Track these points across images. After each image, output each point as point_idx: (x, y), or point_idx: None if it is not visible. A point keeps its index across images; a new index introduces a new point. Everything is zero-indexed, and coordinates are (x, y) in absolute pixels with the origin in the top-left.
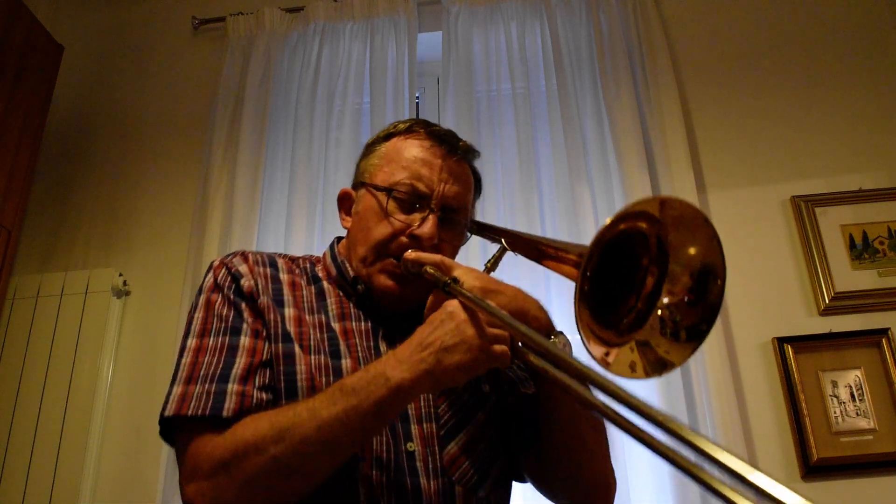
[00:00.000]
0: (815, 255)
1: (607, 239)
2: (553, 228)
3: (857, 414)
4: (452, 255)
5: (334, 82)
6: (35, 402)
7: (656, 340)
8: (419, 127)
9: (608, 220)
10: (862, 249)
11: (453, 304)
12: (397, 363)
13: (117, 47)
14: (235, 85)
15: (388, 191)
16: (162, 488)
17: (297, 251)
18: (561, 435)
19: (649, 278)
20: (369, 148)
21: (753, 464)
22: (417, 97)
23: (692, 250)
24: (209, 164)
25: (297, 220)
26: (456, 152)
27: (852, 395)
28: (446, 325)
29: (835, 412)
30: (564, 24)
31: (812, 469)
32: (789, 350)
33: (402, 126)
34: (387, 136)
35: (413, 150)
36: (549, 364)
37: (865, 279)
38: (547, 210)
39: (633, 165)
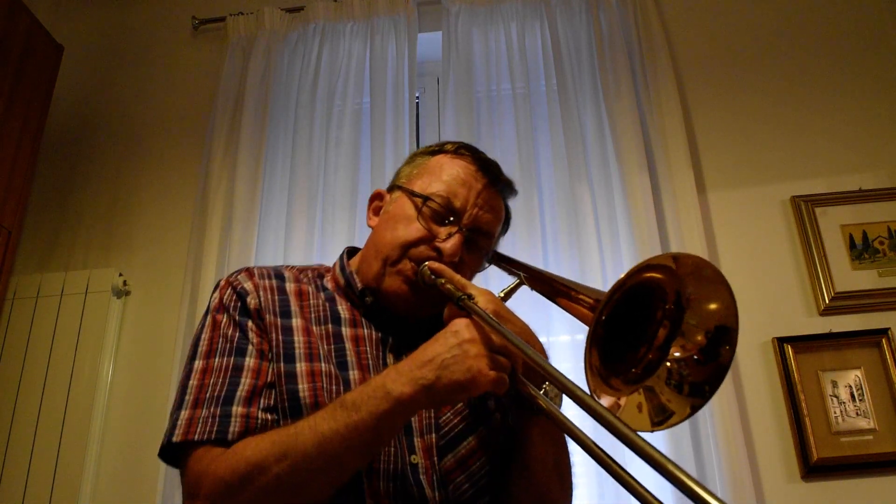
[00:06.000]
0: (815, 255)
1: (627, 287)
2: (553, 228)
3: (857, 414)
4: (469, 279)
5: (334, 82)
6: (35, 402)
7: (660, 388)
8: (467, 151)
9: (628, 270)
10: (862, 249)
11: (461, 323)
12: (398, 376)
13: (117, 47)
14: (235, 85)
15: (424, 198)
16: (162, 488)
17: (297, 251)
18: (527, 482)
19: (661, 331)
20: (413, 157)
21: (754, 464)
22: (417, 97)
23: (712, 306)
24: (209, 164)
25: (296, 219)
26: (497, 184)
27: (852, 395)
28: (449, 341)
29: (835, 412)
30: (564, 24)
31: (812, 469)
32: (789, 350)
33: (450, 146)
34: (433, 152)
35: (456, 169)
36: (545, 397)
37: (865, 279)
38: (547, 210)
39: (633, 165)
